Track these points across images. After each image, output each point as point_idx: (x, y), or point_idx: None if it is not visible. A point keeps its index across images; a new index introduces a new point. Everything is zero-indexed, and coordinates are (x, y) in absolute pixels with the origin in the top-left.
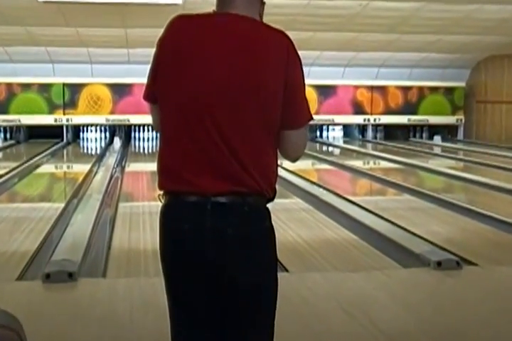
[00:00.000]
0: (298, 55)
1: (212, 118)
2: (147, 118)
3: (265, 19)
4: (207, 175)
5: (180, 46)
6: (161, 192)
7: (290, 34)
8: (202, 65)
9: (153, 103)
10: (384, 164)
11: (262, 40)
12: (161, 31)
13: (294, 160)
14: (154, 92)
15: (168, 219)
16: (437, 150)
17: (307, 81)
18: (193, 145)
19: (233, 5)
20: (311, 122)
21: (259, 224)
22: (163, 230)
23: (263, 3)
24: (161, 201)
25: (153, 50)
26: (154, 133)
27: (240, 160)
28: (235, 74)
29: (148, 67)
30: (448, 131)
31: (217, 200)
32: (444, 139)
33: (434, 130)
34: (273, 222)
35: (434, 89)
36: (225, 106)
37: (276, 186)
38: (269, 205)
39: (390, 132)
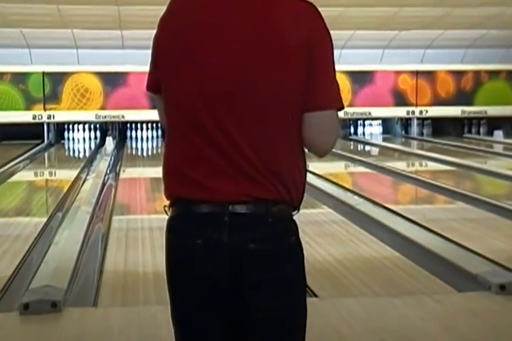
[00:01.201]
0: (327, 30)
1: (228, 110)
2: (145, 114)
3: None
4: (223, 178)
5: (184, 26)
6: (167, 203)
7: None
8: (211, 46)
9: (157, 94)
10: (432, 166)
11: (282, 12)
12: (162, 9)
13: (321, 151)
14: (157, 81)
15: (176, 233)
16: (498, 148)
17: (338, 66)
18: (205, 142)
19: None
20: (343, 116)
21: (285, 240)
22: (169, 247)
23: None
24: (167, 213)
25: (152, 32)
26: (154, 131)
27: (263, 160)
28: (250, 56)
29: (147, 52)
30: (511, 125)
31: (235, 210)
32: (506, 135)
33: (494, 124)
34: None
35: (494, 74)
36: (243, 94)
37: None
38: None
39: (440, 127)
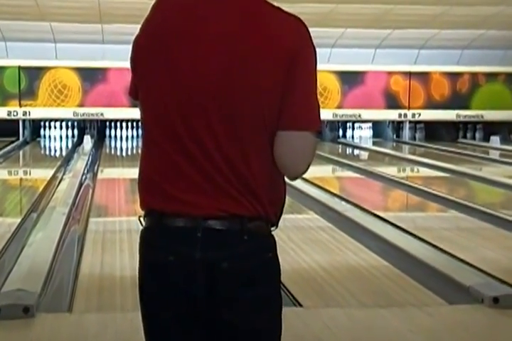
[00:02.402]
0: (312, 45)
1: (206, 122)
2: (125, 112)
3: None
4: (198, 192)
5: (163, 31)
6: (143, 214)
7: (306, 7)
8: (188, 55)
9: (138, 100)
10: (425, 172)
11: (265, 23)
12: (144, 3)
13: (291, 174)
14: (137, 87)
15: (149, 248)
16: (494, 154)
17: (327, 66)
18: (181, 155)
19: None
20: (332, 118)
21: (261, 257)
22: (142, 262)
23: None
24: (141, 224)
25: (133, 27)
26: (134, 130)
27: (238, 175)
28: (234, 67)
29: (128, 47)
30: (509, 131)
31: (209, 226)
32: (503, 141)
33: (490, 129)
34: (284, 244)
35: (491, 76)
36: (222, 107)
37: (288, 198)
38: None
39: (433, 131)
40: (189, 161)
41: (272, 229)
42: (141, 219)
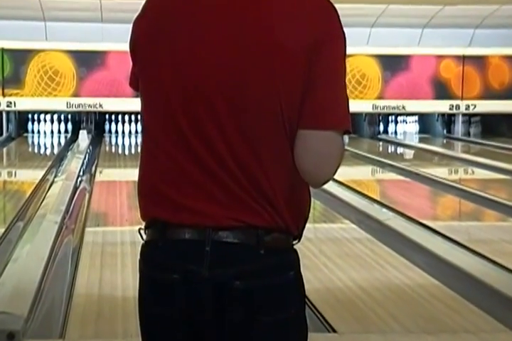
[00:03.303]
0: (341, 32)
1: (214, 119)
2: (128, 104)
3: None
4: (208, 199)
5: (170, 10)
6: (143, 226)
7: None
8: (200, 39)
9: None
10: (481, 173)
11: (291, 4)
12: None
13: (314, 180)
14: (137, 77)
15: (150, 264)
16: None
17: (366, 49)
18: (187, 158)
19: None
20: (372, 110)
21: (280, 275)
22: (142, 280)
23: None
24: (142, 238)
25: (137, 3)
26: (138, 125)
27: (253, 179)
28: (246, 55)
29: (130, 26)
30: None
31: (220, 238)
32: None
33: None
34: (315, 258)
35: None
36: (232, 101)
37: (320, 204)
38: (305, 233)
39: (491, 126)
40: (196, 164)
41: (294, 242)
42: (142, 231)
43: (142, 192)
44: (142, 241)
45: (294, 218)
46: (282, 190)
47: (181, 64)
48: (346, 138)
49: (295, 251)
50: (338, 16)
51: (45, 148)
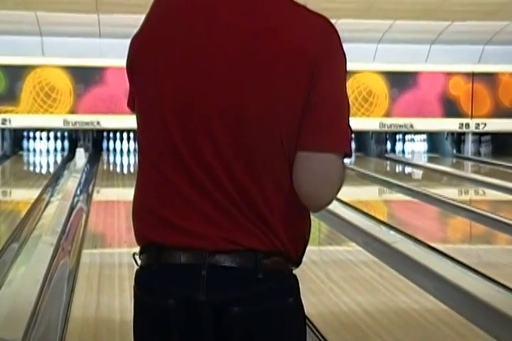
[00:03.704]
0: (341, 52)
1: (211, 139)
2: (126, 121)
3: None
4: (204, 221)
5: (168, 27)
6: (138, 250)
7: None
8: (199, 56)
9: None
10: (492, 194)
11: (292, 24)
12: None
13: (313, 204)
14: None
15: (144, 289)
16: None
17: (373, 65)
18: (183, 176)
19: None
20: (378, 128)
21: (279, 301)
22: (136, 306)
23: None
24: (136, 263)
25: (136, 18)
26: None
27: (251, 201)
28: (245, 73)
29: (127, 41)
30: None
31: (216, 262)
32: None
33: None
34: (320, 282)
35: None
36: (229, 121)
37: (325, 226)
38: (310, 256)
39: (502, 145)
40: (193, 185)
41: (293, 268)
42: (136, 257)
43: (137, 214)
44: (136, 267)
45: (293, 242)
46: (281, 213)
47: (178, 83)
48: (353, 157)
49: (294, 276)
50: (339, 37)
51: (41, 167)
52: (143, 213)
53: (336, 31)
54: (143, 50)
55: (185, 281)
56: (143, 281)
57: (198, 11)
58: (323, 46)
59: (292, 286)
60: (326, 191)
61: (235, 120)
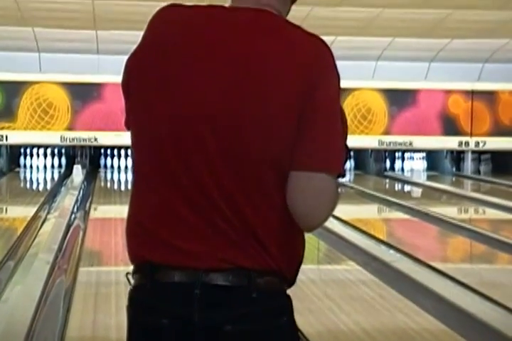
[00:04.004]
0: (335, 72)
1: (206, 159)
2: (124, 138)
3: None
4: (196, 239)
5: (163, 48)
6: (131, 270)
7: (347, 12)
8: (193, 76)
9: None
10: (492, 213)
11: (285, 44)
12: (147, 5)
13: (306, 224)
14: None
15: (138, 309)
16: None
17: (372, 83)
18: (177, 194)
19: None
20: (378, 146)
21: (273, 320)
22: (130, 326)
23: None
24: (130, 283)
25: (134, 34)
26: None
27: (245, 220)
28: (240, 94)
29: (125, 58)
30: None
31: (210, 281)
32: None
33: None
34: (319, 301)
35: None
36: (224, 141)
37: (324, 245)
38: (309, 275)
39: (502, 163)
40: (186, 204)
41: (287, 288)
42: (129, 276)
43: (131, 232)
44: (130, 287)
45: (286, 261)
46: (275, 232)
47: (173, 103)
48: (351, 175)
49: (288, 296)
50: (333, 57)
51: (38, 184)
52: (137, 232)
53: (330, 51)
54: (138, 70)
55: (178, 300)
56: (136, 300)
57: (193, 32)
58: (318, 67)
59: (286, 306)
60: (320, 211)
61: (229, 141)
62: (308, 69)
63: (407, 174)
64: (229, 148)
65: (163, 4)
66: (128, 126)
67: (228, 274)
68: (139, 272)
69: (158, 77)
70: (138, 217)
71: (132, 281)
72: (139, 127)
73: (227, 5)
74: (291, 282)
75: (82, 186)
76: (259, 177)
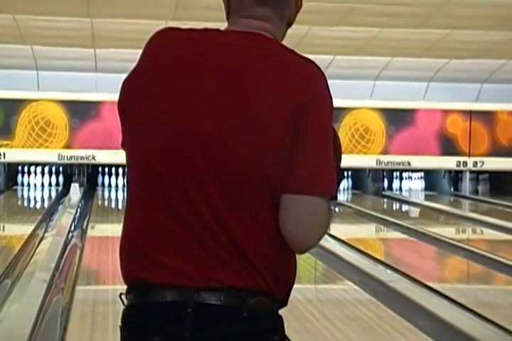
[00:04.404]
0: (328, 95)
1: (195, 177)
2: (122, 156)
3: (311, 5)
4: (189, 258)
5: (158, 69)
6: (124, 290)
7: (345, 31)
8: (186, 99)
9: None
10: (490, 234)
11: (278, 68)
12: (145, 24)
13: (297, 246)
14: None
15: (130, 328)
16: None
17: (370, 102)
18: (168, 214)
19: (253, 14)
20: (376, 166)
21: (263, 340)
22: None
23: (290, 23)
24: (123, 303)
25: (133, 52)
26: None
27: (235, 242)
28: (232, 117)
29: (123, 76)
30: None
31: (201, 300)
32: None
33: None
34: (316, 321)
35: None
36: (215, 163)
37: (321, 264)
38: (306, 294)
39: (500, 184)
40: (178, 223)
41: (278, 308)
42: (123, 296)
43: (125, 252)
44: (123, 307)
45: (277, 282)
46: (265, 253)
47: (166, 125)
48: (349, 194)
49: (280, 316)
50: (326, 81)
51: (35, 202)
52: (130, 252)
53: (323, 74)
54: (133, 92)
55: (170, 319)
56: (129, 319)
57: (188, 55)
58: (311, 90)
59: (277, 326)
60: (312, 234)
61: (220, 162)
62: (301, 93)
63: (405, 194)
64: (220, 167)
65: (160, 22)
66: (124, 147)
67: (220, 294)
68: (132, 292)
69: (153, 97)
70: (129, 235)
71: (126, 301)
72: (133, 145)
73: (222, 28)
74: (283, 303)
75: (80, 204)
76: (251, 199)
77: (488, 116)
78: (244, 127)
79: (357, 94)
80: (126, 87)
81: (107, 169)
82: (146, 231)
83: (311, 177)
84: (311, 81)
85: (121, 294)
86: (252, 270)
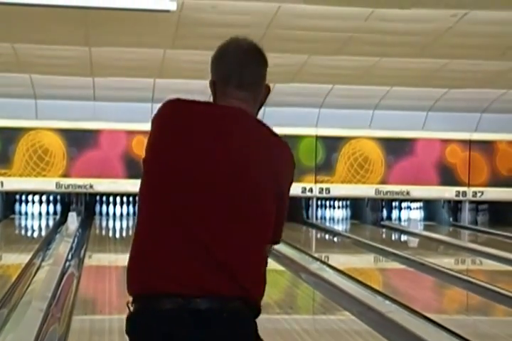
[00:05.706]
0: (293, 165)
1: (199, 211)
2: (119, 185)
3: (310, 34)
4: (188, 273)
5: (174, 138)
6: (131, 299)
7: (344, 60)
8: (194, 166)
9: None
10: (489, 264)
11: (265, 146)
12: (144, 53)
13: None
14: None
15: (135, 332)
16: None
17: (369, 131)
18: (177, 237)
19: (236, 96)
20: (374, 195)
21: (241, 330)
22: None
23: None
24: (130, 310)
25: (131, 81)
26: (130, 207)
27: (231, 268)
28: (233, 181)
29: (123, 105)
30: None
31: (195, 306)
32: None
33: None
34: None
35: None
36: (221, 219)
37: (319, 294)
38: (303, 325)
39: (500, 214)
40: (185, 245)
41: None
42: (129, 305)
43: (133, 268)
44: (128, 314)
45: (257, 292)
46: (250, 273)
47: (181, 189)
48: (348, 224)
49: (255, 322)
50: (291, 152)
51: (33, 231)
52: (136, 265)
53: (289, 147)
54: (154, 153)
55: (171, 322)
56: (133, 324)
57: (201, 125)
58: (287, 172)
59: (252, 329)
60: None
61: (228, 222)
62: (280, 175)
63: (404, 224)
64: (229, 225)
65: (159, 51)
66: (141, 191)
67: (210, 301)
68: (136, 301)
69: (171, 159)
70: (140, 251)
71: (131, 308)
72: (152, 188)
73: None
74: (257, 309)
75: (77, 233)
76: (252, 244)
77: (487, 146)
78: (248, 191)
79: (356, 124)
80: (150, 149)
81: (104, 198)
82: (156, 248)
83: (278, 233)
84: (287, 164)
85: (127, 302)
86: (237, 283)
